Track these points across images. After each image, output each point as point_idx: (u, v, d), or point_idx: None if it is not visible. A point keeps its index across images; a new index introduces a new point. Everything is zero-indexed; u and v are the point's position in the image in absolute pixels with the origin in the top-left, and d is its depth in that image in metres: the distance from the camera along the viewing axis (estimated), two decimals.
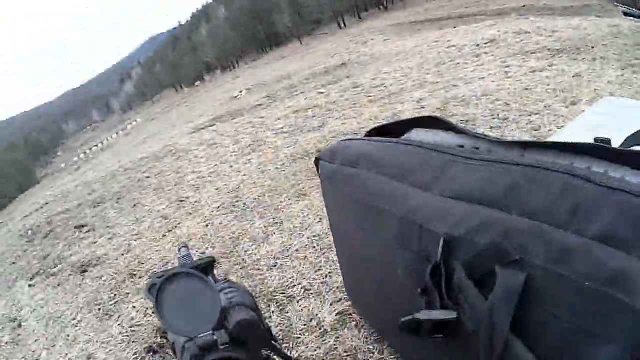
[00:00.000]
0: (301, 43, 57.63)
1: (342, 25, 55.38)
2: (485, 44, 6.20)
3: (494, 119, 3.62)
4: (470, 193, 0.90)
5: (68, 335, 2.77)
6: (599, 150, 0.82)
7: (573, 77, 4.20)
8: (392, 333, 1.40)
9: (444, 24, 16.75)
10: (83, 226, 4.94)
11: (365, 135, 1.43)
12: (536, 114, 3.40)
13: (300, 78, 9.81)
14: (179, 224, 3.63)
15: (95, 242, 4.21)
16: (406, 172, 1.10)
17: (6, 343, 3.15)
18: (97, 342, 2.53)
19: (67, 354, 2.58)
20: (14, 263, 5.02)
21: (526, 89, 4.02)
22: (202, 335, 0.74)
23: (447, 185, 0.97)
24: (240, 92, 13.31)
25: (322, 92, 6.77)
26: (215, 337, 0.74)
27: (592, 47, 5.26)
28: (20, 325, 3.31)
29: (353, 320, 1.80)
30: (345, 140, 1.46)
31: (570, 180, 0.75)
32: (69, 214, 5.85)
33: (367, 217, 1.22)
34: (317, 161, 1.54)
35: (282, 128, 5.46)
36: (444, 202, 0.95)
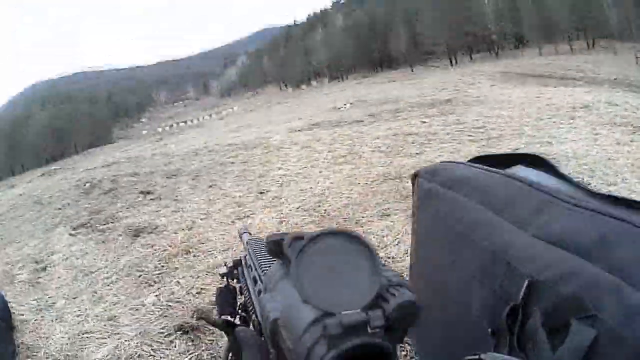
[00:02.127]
0: (412, 70, 58.47)
1: (454, 62, 61.01)
2: (580, 108, 6.79)
3: None
4: (562, 238, 0.95)
5: (95, 292, 2.87)
6: None
7: None
8: None
9: (547, 82, 17.48)
10: (149, 192, 5.13)
11: (468, 161, 1.46)
12: (614, 184, 3.46)
13: (405, 104, 10.00)
14: (252, 213, 3.71)
15: (157, 211, 4.36)
16: (504, 205, 1.15)
17: (21, 281, 3.31)
18: (125, 306, 2.60)
19: (86, 309, 2.66)
20: (59, 209, 5.31)
21: (609, 159, 4.02)
22: (349, 312, 0.56)
23: (541, 226, 1.02)
24: (345, 104, 14.06)
25: (424, 122, 6.99)
26: (366, 317, 0.55)
27: None
28: (44, 269, 3.47)
29: (403, 350, 1.86)
30: (446, 162, 1.52)
31: None
32: (137, 177, 6.10)
33: (455, 244, 1.27)
34: (414, 177, 1.59)
35: (380, 147, 5.58)
36: (534, 243, 0.99)
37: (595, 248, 0.87)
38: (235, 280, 1.18)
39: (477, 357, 0.77)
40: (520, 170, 1.28)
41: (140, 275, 2.94)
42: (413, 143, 5.56)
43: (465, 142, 5.25)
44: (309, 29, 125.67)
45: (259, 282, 0.98)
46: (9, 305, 2.76)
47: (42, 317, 2.71)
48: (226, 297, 1.12)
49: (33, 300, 2.94)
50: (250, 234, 1.27)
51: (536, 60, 36.66)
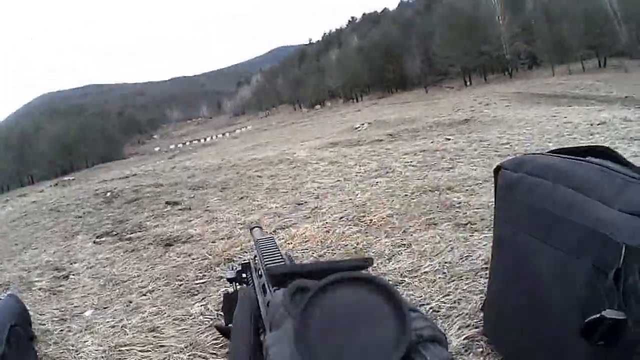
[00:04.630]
0: (426, 92, 60.98)
1: (468, 83, 63.76)
2: (598, 124, 7.14)
3: None
4: None
5: (130, 302, 2.74)
6: None
7: None
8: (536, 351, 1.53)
9: (560, 101, 18.22)
10: (176, 203, 5.07)
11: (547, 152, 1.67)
12: None
13: (423, 124, 10.30)
14: (294, 223, 3.66)
15: (189, 221, 4.29)
16: (591, 187, 1.30)
17: (40, 289, 3.16)
18: (168, 316, 2.47)
19: (122, 319, 2.52)
20: (79, 217, 5.24)
21: None
22: None
23: (626, 202, 1.18)
24: (362, 124, 14.34)
25: (449, 139, 7.16)
26: None
27: None
28: (66, 277, 3.34)
29: (479, 347, 1.87)
30: (530, 154, 1.72)
31: None
32: (161, 189, 6.07)
33: (548, 226, 1.41)
34: (497, 170, 1.77)
35: (411, 162, 5.62)
36: (623, 216, 1.15)
37: None
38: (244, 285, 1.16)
39: (598, 315, 1.06)
40: (593, 160, 1.42)
41: (181, 284, 2.83)
42: (443, 158, 5.61)
43: (494, 158, 5.28)
44: (325, 48, 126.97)
45: (268, 292, 0.91)
46: (29, 313, 2.54)
47: (68, 327, 2.54)
48: (234, 303, 1.00)
49: (55, 309, 2.79)
50: (261, 229, 1.29)
51: (549, 80, 38.07)
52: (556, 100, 19.32)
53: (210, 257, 3.17)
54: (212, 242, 3.49)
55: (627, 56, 48.96)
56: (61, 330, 2.53)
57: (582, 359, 1.23)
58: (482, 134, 7.29)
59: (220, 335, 2.11)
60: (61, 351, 2.32)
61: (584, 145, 1.51)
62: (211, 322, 2.33)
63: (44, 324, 2.62)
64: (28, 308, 2.56)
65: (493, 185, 1.82)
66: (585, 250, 1.23)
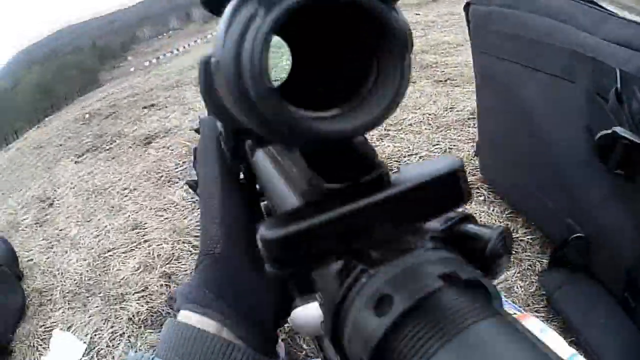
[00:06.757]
0: None
1: None
2: None
3: None
4: (631, 41, 1.11)
5: (112, 207, 2.66)
6: None
7: None
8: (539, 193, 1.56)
9: None
10: (153, 105, 4.95)
11: None
12: None
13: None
14: None
15: (165, 117, 4.20)
16: (569, 16, 1.29)
17: (27, 226, 3.05)
18: (150, 209, 2.41)
19: (105, 226, 2.44)
20: (60, 145, 5.10)
21: None
22: None
23: (609, 32, 1.17)
24: None
25: (418, 14, 6.87)
26: None
27: None
28: (51, 205, 3.25)
29: (480, 195, 1.87)
30: None
31: None
32: (137, 97, 5.89)
33: (529, 53, 1.43)
34: (467, 6, 1.77)
35: None
36: (608, 44, 1.16)
37: None
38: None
39: (610, 131, 1.08)
40: None
41: (162, 176, 2.76)
42: (415, 29, 5.47)
43: (466, 27, 5.24)
44: None
45: None
46: (15, 252, 2.48)
47: (54, 252, 2.48)
48: None
49: (42, 240, 2.69)
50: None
51: None
52: None
53: (189, 143, 3.12)
54: (190, 130, 3.38)
55: None
56: (47, 259, 2.47)
57: (597, 190, 1.26)
58: (452, 9, 6.77)
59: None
60: (47, 280, 2.27)
61: None
62: (192, 205, 2.30)
63: (31, 259, 2.55)
64: (16, 248, 2.52)
65: (469, 42, 1.84)
66: (578, 74, 1.24)
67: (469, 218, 0.35)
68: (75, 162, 3.95)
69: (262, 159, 0.50)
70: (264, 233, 0.27)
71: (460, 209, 0.32)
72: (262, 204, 0.60)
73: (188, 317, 0.51)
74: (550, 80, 1.34)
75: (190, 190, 1.89)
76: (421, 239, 0.31)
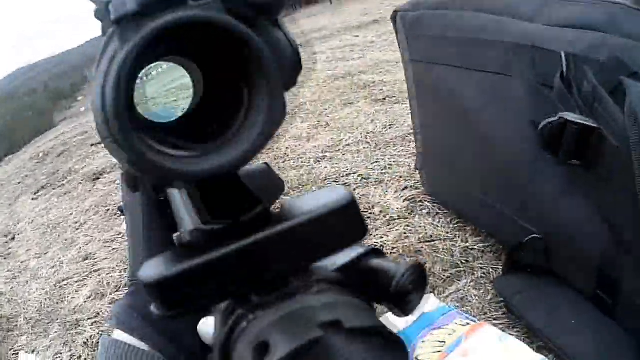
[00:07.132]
0: (331, 3, 59.59)
1: None
2: None
3: None
4: (573, 23, 1.08)
5: (65, 240, 2.81)
6: None
7: None
8: (491, 195, 1.50)
9: None
10: (100, 142, 4.97)
11: None
12: None
13: (332, 30, 10.18)
14: None
15: None
16: (504, 8, 1.26)
17: None
18: (98, 241, 2.54)
19: (60, 258, 2.60)
20: (19, 183, 5.23)
21: None
22: None
23: (550, 16, 1.14)
24: None
25: (357, 36, 7.14)
26: None
27: None
28: (13, 239, 3.39)
29: (424, 208, 1.84)
30: None
31: None
32: (85, 135, 6.05)
33: (465, 53, 1.38)
34: (394, 15, 1.75)
35: (320, 59, 5.70)
36: (549, 29, 1.12)
37: (608, 24, 1.02)
38: None
39: (556, 117, 1.00)
40: None
41: (108, 209, 2.90)
42: (353, 51, 5.68)
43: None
44: None
45: None
46: None
47: (17, 283, 2.65)
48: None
49: (7, 272, 2.87)
50: None
51: None
52: None
53: None
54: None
55: None
56: (11, 289, 2.61)
57: (549, 186, 1.22)
58: (392, 28, 7.17)
59: None
60: (12, 307, 2.40)
61: None
62: None
63: None
64: None
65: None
66: (514, 67, 1.21)
67: (376, 252, 0.34)
68: (33, 199, 4.10)
69: (174, 190, 0.48)
70: (142, 275, 0.26)
71: (365, 242, 0.31)
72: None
73: (120, 335, 0.54)
74: (488, 78, 1.30)
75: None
76: (306, 281, 0.29)
